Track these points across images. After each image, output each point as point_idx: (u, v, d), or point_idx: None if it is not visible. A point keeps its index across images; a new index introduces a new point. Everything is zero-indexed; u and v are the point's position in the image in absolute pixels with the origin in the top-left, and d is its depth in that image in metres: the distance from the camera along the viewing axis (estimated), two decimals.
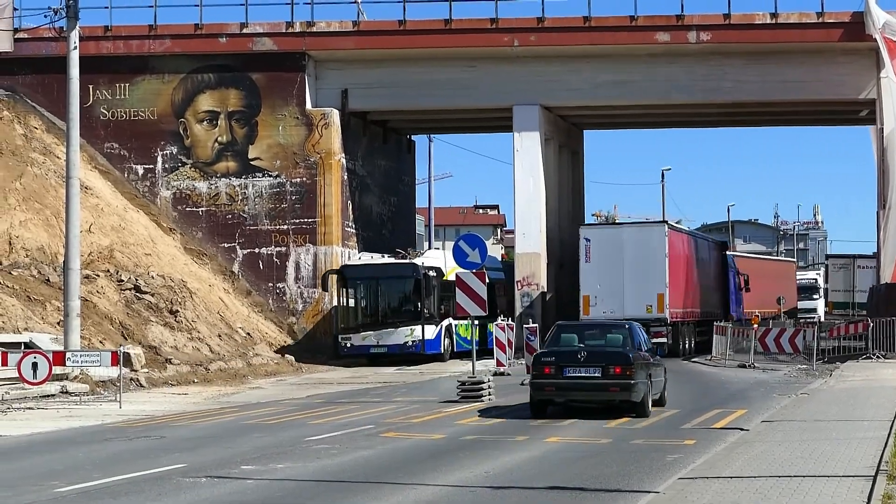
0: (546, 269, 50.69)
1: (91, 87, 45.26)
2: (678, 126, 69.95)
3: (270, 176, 48.36)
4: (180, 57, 48.80)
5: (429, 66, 49.61)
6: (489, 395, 30.47)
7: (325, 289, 47.81)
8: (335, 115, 48.70)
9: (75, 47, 35.97)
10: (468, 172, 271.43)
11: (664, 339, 47.63)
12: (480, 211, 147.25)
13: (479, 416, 26.79)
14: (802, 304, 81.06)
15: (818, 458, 18.41)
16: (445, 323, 49.96)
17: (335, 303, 49.53)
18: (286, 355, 45.66)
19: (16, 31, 47.44)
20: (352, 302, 48.57)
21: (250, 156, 48.41)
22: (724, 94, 50.86)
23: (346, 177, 49.06)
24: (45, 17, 38.52)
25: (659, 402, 27.83)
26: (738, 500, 14.79)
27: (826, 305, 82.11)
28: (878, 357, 44.60)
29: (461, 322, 49.60)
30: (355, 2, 49.89)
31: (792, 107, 55.00)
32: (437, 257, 51.34)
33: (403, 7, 49.08)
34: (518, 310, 48.08)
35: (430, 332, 47.95)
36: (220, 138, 48.72)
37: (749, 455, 19.16)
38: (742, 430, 23.30)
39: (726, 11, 48.28)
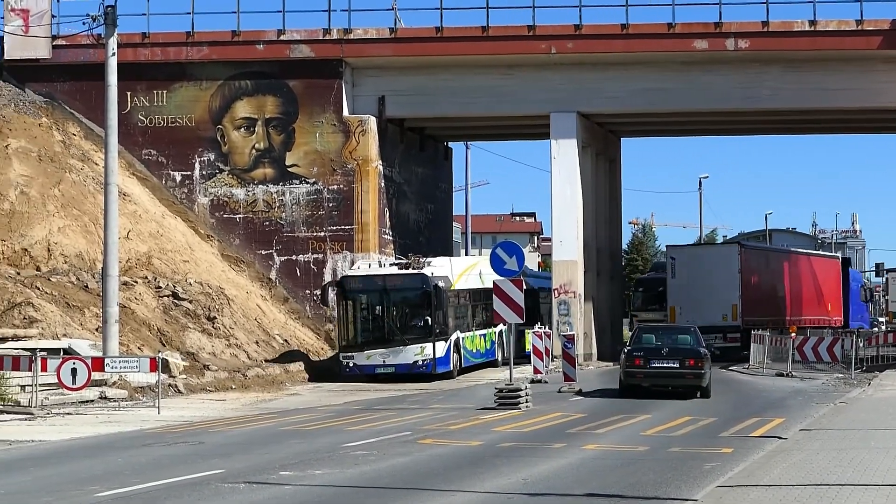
0: (583, 277, 50.59)
1: (129, 93, 45.44)
2: (716, 133, 69.82)
3: (308, 183, 48.35)
4: (218, 64, 48.89)
5: (466, 73, 49.60)
6: (527, 402, 30.47)
7: (324, 302, 44.84)
8: (372, 122, 48.72)
9: (113, 54, 36.09)
10: (505, 180, 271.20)
11: (738, 343, 55.23)
12: (517, 219, 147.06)
13: (514, 421, 26.81)
14: None
15: (857, 467, 18.36)
16: (454, 337, 44.77)
17: (337, 317, 45.50)
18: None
19: (54, 38, 47.88)
20: (354, 317, 43.54)
21: (287, 162, 48.42)
22: (762, 102, 50.74)
23: (383, 184, 49.07)
24: (84, 24, 38.77)
25: (706, 392, 33.97)
26: None
27: (886, 315, 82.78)
28: None
29: (467, 335, 46.69)
30: (392, 9, 49.90)
31: (830, 114, 54.89)
32: (443, 265, 46.50)
33: (440, 14, 49.12)
34: (555, 317, 47.91)
35: (441, 348, 42.75)
36: (257, 145, 48.76)
37: (787, 463, 19.13)
38: (780, 438, 23.24)
39: (765, 19, 48.01)
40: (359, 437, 23.81)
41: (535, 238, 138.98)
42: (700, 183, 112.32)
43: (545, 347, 40.11)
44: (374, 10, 51.23)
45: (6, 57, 47.22)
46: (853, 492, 15.90)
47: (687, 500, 15.60)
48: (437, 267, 44.81)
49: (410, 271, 44.82)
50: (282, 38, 49.03)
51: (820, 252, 79.40)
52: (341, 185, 48.14)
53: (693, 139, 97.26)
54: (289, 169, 48.44)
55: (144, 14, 48.16)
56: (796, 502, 15.16)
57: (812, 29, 47.97)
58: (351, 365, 41.83)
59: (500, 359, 48.92)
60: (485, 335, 48.62)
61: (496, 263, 32.77)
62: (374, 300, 43.36)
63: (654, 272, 72.52)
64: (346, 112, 48.67)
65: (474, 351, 47.67)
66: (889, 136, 54.43)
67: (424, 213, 56.17)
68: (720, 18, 48.29)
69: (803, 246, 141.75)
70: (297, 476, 18.50)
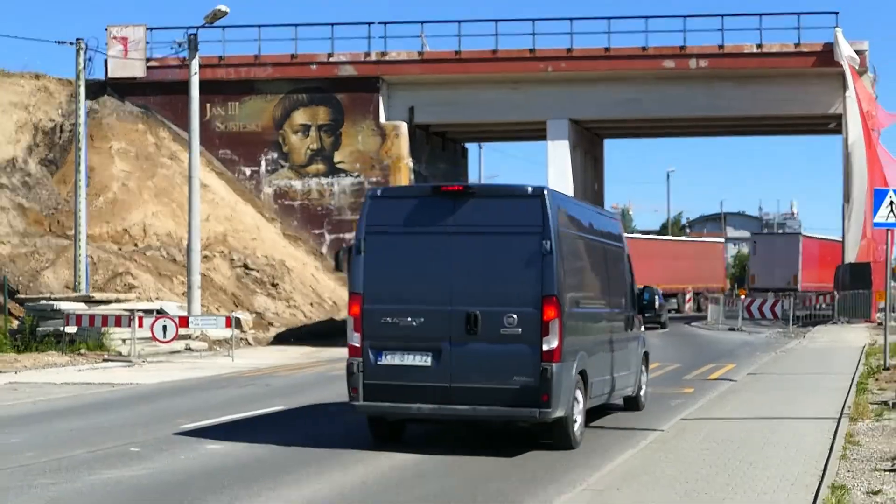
0: None
1: (208, 104, 45.36)
2: (680, 135, 69.41)
3: (352, 176, 48.33)
4: (279, 81, 48.89)
5: (479, 87, 49.50)
6: None
7: (338, 268, 36.00)
8: (403, 128, 48.72)
9: (195, 73, 36.19)
10: (510, 174, 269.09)
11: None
12: None
13: None
14: None
15: (794, 404, 18.38)
16: None
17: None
18: None
19: (148, 60, 47.95)
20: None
21: (336, 160, 48.43)
22: (718, 110, 50.64)
23: (412, 177, 48.95)
24: (171, 48, 38.87)
25: None
26: (728, 437, 14.73)
27: (749, 279, 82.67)
28: (842, 322, 44.40)
29: None
30: (420, 36, 49.92)
31: (774, 120, 54.68)
32: None
33: (459, 40, 49.11)
34: None
35: None
36: (311, 146, 48.75)
37: (737, 401, 19.14)
38: (731, 381, 23.25)
39: (720, 43, 47.98)
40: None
41: None
42: (668, 175, 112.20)
43: None
44: (405, 37, 50.57)
45: (110, 76, 47.30)
46: (791, 423, 15.91)
47: (657, 429, 15.59)
48: None
49: None
50: (331, 59, 49.02)
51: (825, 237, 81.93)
52: (379, 178, 48.05)
53: (662, 140, 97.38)
54: (336, 165, 48.40)
55: (221, 41, 48.18)
56: (744, 432, 15.12)
57: (759, 51, 47.84)
58: None
59: None
60: None
61: None
62: None
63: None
64: (382, 119, 48.63)
65: None
66: (821, 137, 54.37)
67: None
68: (684, 43, 48.15)
69: (751, 225, 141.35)
70: (342, 410, 18.49)
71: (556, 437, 14.46)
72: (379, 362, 14.50)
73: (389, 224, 14.73)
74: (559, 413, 13.92)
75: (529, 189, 14.27)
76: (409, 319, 14.43)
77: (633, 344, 18.66)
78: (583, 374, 14.79)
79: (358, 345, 14.62)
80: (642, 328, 20.01)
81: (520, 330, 13.95)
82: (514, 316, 13.93)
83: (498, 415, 14.22)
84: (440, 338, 14.23)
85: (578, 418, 14.69)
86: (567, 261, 14.47)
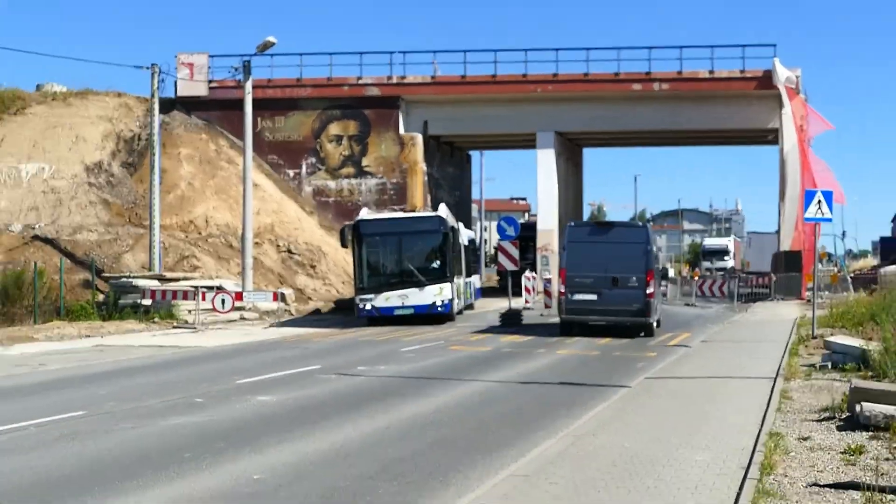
0: (557, 240, 50.48)
1: (258, 118, 45.29)
2: (646, 145, 69.21)
3: (376, 178, 48.34)
4: (317, 99, 48.86)
5: (481, 105, 49.50)
6: (521, 321, 30.47)
7: (343, 245, 32.40)
8: (419, 138, 48.75)
9: (249, 93, 36.21)
10: (506, 176, 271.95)
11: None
12: (514, 201, 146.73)
13: (512, 335, 26.81)
14: (719, 263, 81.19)
15: (738, 366, 18.41)
16: (459, 282, 34.45)
17: (353, 260, 32.91)
18: None
19: (209, 82, 47.95)
20: (371, 259, 31.08)
21: (363, 164, 48.45)
22: (677, 125, 50.64)
23: (426, 179, 49.01)
24: (229, 73, 38.85)
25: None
26: (685, 392, 14.78)
27: (745, 264, 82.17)
28: (777, 299, 44.39)
29: (461, 281, 35.49)
30: (432, 63, 49.97)
31: (723, 133, 54.70)
32: (446, 212, 33.65)
33: (464, 66, 49.17)
34: (539, 266, 47.72)
35: (452, 290, 31.65)
36: (343, 153, 48.78)
37: (692, 364, 19.17)
38: (687, 346, 23.27)
39: (679, 69, 48.03)
40: (410, 345, 23.89)
41: (526, 214, 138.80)
42: (635, 178, 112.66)
43: (532, 286, 40.00)
44: (420, 64, 50.57)
45: (179, 94, 47.29)
46: (736, 381, 15.96)
47: (624, 386, 15.63)
48: (444, 214, 32.82)
49: (427, 213, 35.61)
50: (359, 82, 49.02)
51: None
52: (398, 179, 48.11)
53: (631, 149, 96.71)
54: (364, 168, 48.42)
55: (269, 66, 48.17)
56: (699, 388, 15.18)
57: (711, 76, 47.88)
58: (368, 307, 30.11)
59: (465, 306, 37.37)
60: (463, 283, 36.55)
61: (500, 231, 32.68)
62: (392, 242, 31.20)
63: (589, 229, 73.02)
64: (401, 131, 48.65)
65: (466, 298, 37.62)
66: (762, 147, 54.19)
67: (454, 198, 55.93)
68: (650, 69, 48.12)
69: (703, 220, 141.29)
70: (369, 370, 18.58)
71: (648, 332, 25.79)
72: (571, 297, 25.48)
73: (577, 238, 26.08)
74: (652, 320, 26.05)
75: (640, 223, 28.15)
76: (586, 280, 25.21)
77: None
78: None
79: (563, 291, 25.62)
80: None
81: (637, 284, 25.07)
82: (634, 278, 25.08)
83: (627, 320, 25.76)
84: (601, 288, 25.16)
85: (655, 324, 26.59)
86: (652, 255, 26.31)
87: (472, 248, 41.17)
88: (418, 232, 31.53)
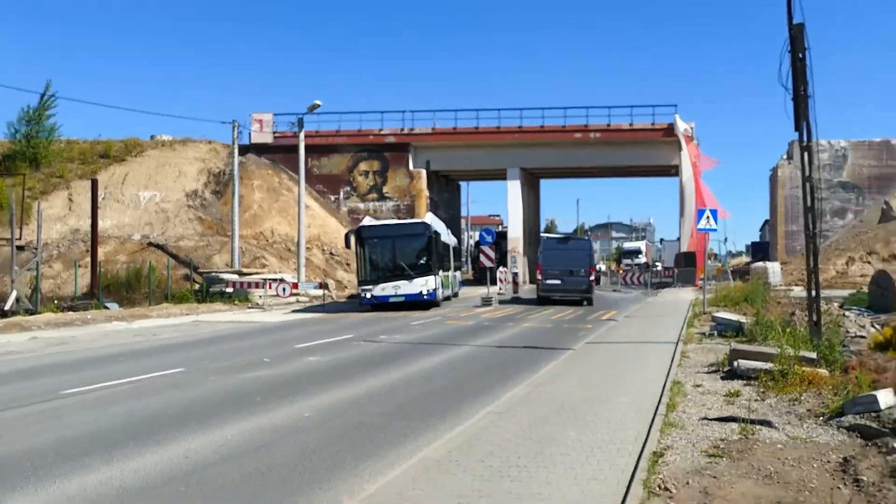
0: (522, 245, 50.48)
1: (309, 158, 45.17)
2: (585, 177, 69.49)
3: (393, 201, 48.29)
4: (350, 145, 48.82)
5: (468, 148, 49.47)
6: (496, 303, 30.45)
7: (347, 246, 29.77)
8: (423, 172, 48.69)
9: (302, 141, 36.15)
10: (484, 199, 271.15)
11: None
12: (491, 217, 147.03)
13: (490, 313, 26.80)
14: (635, 261, 78.84)
15: (653, 333, 18.37)
16: (441, 274, 31.42)
17: (356, 259, 30.74)
18: None
19: (274, 133, 47.92)
20: (371, 258, 28.46)
21: (384, 191, 48.39)
22: (607, 162, 50.53)
23: (428, 201, 48.90)
24: (288, 126, 38.83)
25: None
26: (613, 353, 14.75)
27: (661, 261, 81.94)
28: (679, 286, 44.39)
29: (441, 275, 31.28)
30: (433, 119, 49.97)
31: (639, 168, 54.61)
32: (433, 220, 31.43)
33: (455, 121, 49.26)
34: (509, 263, 47.65)
35: (435, 282, 29.61)
36: (369, 183, 48.74)
37: (619, 331, 19.14)
38: (614, 320, 23.23)
39: (608, 122, 48.07)
40: (416, 320, 23.83)
41: (500, 226, 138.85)
42: (577, 201, 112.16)
43: (504, 277, 39.94)
44: (424, 119, 50.43)
45: (252, 142, 47.16)
46: (648, 345, 15.91)
47: (570, 349, 15.59)
48: (431, 221, 30.46)
49: (415, 220, 32.74)
50: (381, 132, 48.96)
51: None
52: (409, 202, 48.04)
53: (574, 179, 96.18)
54: (384, 194, 48.34)
55: (316, 121, 48.08)
56: (625, 348, 15.14)
57: (630, 127, 47.87)
58: (368, 296, 27.96)
59: (452, 294, 35.02)
60: (449, 276, 34.15)
61: (482, 238, 32.79)
62: (387, 244, 28.78)
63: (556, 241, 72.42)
64: (411, 167, 48.61)
65: (449, 288, 34.09)
66: (667, 178, 54.40)
67: (448, 215, 55.71)
68: (587, 122, 48.10)
69: (625, 230, 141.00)
70: (388, 338, 18.51)
71: (590, 302, 28.98)
72: (545, 282, 29.26)
73: (549, 247, 30.17)
74: (592, 295, 29.49)
75: (586, 238, 26.60)
76: (554, 271, 29.12)
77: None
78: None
79: (540, 278, 29.34)
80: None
81: (584, 274, 29.02)
82: (582, 270, 28.96)
83: (578, 296, 29.21)
84: (563, 276, 28.96)
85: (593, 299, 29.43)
86: (593, 256, 30.33)
87: (458, 249, 38.81)
88: (408, 235, 28.80)
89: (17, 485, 6.62)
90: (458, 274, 38.59)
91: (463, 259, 60.50)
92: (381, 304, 27.72)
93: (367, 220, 30.61)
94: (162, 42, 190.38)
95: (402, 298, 27.76)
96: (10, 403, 10.20)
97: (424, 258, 28.58)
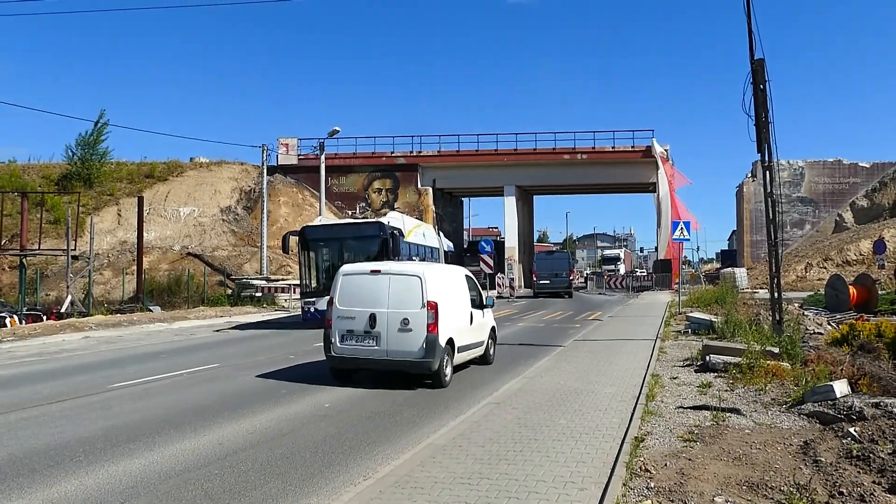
0: (517, 253, 50.41)
1: (329, 177, 45.32)
2: (573, 193, 68.91)
3: (404, 214, 48.37)
4: (366, 166, 48.94)
5: (470, 168, 49.55)
6: (492, 304, 30.31)
7: (285, 251, 22.65)
8: (430, 190, 48.77)
9: (323, 162, 36.08)
10: (485, 216, 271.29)
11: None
12: (490, 229, 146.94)
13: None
14: (613, 267, 75.46)
15: (634, 331, 18.29)
16: None
17: (299, 266, 23.35)
18: None
19: (299, 155, 48.00)
20: (315, 264, 21.53)
21: (395, 207, 47.95)
22: (593, 180, 50.52)
23: (434, 216, 48.94)
24: (311, 149, 38.88)
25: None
26: (599, 349, 14.67)
27: (642, 267, 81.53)
28: (657, 290, 44.24)
29: None
30: (438, 143, 50.11)
31: (621, 185, 54.63)
32: (396, 218, 23.43)
33: (458, 144, 49.51)
34: (506, 269, 47.64)
35: None
36: (382, 199, 48.76)
37: (605, 330, 19.05)
38: (600, 320, 23.13)
39: (594, 145, 48.21)
40: None
41: (498, 237, 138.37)
42: (566, 214, 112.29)
43: (501, 282, 39.85)
44: (431, 143, 50.60)
45: (279, 163, 47.27)
46: (630, 342, 15.82)
47: (560, 346, 15.52)
48: (394, 219, 22.41)
49: (368, 220, 25.84)
50: (392, 154, 49.13)
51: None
52: (418, 216, 47.75)
53: (564, 196, 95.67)
54: (396, 209, 48.04)
55: (336, 145, 48.33)
56: (607, 346, 15.05)
57: (613, 150, 48.00)
58: (312, 310, 20.66)
59: None
60: None
61: (481, 248, 32.74)
62: (335, 247, 21.32)
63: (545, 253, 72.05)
64: (419, 185, 48.70)
65: None
66: (646, 194, 54.45)
67: (452, 228, 55.87)
68: (574, 145, 48.35)
69: (609, 240, 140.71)
70: None
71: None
72: (539, 282, 29.24)
73: (540, 258, 30.19)
74: (572, 290, 27.81)
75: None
76: (545, 274, 29.62)
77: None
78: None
79: (535, 280, 28.55)
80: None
81: (565, 276, 29.73)
82: (564, 273, 30.02)
83: (562, 290, 29.84)
84: (550, 277, 29.74)
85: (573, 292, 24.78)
86: (572, 263, 27.39)
87: (453, 255, 32.87)
88: (360, 237, 20.86)
89: (70, 469, 6.60)
90: None
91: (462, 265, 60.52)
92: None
93: (319, 220, 24.40)
94: (199, 75, 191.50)
95: None
96: (67, 395, 10.20)
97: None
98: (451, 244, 33.14)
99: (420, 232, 24.74)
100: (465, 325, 11.41)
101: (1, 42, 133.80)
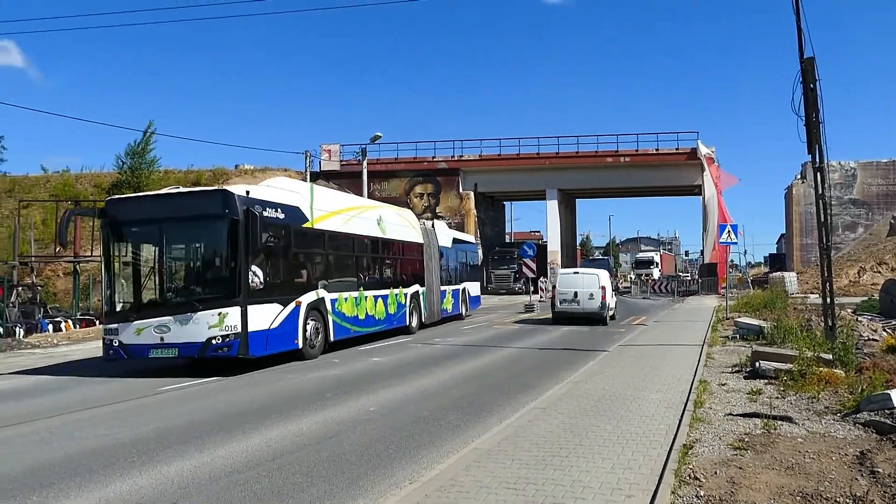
0: (560, 258, 50.07)
1: (371, 183, 45.66)
2: (616, 196, 68.28)
3: (445, 219, 48.32)
4: (407, 171, 49.26)
5: (511, 172, 49.51)
6: (537, 309, 30.23)
7: (61, 242, 15.30)
8: (472, 194, 48.85)
9: (365, 168, 36.50)
10: (526, 217, 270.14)
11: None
12: (532, 233, 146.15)
13: (533, 318, 26.58)
14: (648, 271, 71.62)
15: (680, 336, 18.03)
16: (308, 298, 13.60)
17: (102, 270, 12.37)
18: None
19: (341, 161, 48.56)
20: (119, 267, 11.89)
21: (437, 211, 48.57)
22: (635, 183, 49.99)
23: (476, 220, 49.04)
24: (353, 155, 39.31)
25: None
26: (644, 354, 14.49)
27: (688, 270, 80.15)
28: (703, 294, 43.54)
29: (345, 295, 15.47)
30: (480, 147, 50.18)
31: (665, 188, 53.95)
32: (299, 189, 14.44)
33: (500, 148, 49.48)
34: (549, 274, 47.41)
35: (265, 315, 11.92)
36: (424, 204, 48.99)
37: (649, 335, 18.81)
38: (645, 325, 22.85)
39: (636, 148, 47.72)
40: (467, 325, 23.73)
41: (540, 241, 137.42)
42: (609, 218, 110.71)
43: (544, 286, 39.57)
44: (472, 147, 50.69)
45: (321, 169, 47.92)
46: (676, 347, 15.60)
47: (605, 350, 15.36)
48: (278, 189, 13.69)
49: (205, 188, 13.35)
50: (434, 159, 49.36)
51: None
52: (459, 220, 48.05)
53: (607, 199, 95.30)
54: (437, 213, 48.42)
55: (378, 150, 48.75)
56: (652, 351, 14.86)
57: (656, 152, 47.44)
58: (115, 344, 11.77)
59: (413, 324, 20.16)
60: (385, 297, 18.16)
61: (523, 252, 32.53)
62: (152, 238, 11.88)
63: (590, 259, 71.25)
64: (461, 189, 48.82)
65: (358, 317, 16.35)
66: (691, 196, 53.68)
67: (494, 232, 55.94)
68: (617, 148, 47.92)
69: (653, 243, 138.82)
70: (442, 341, 18.43)
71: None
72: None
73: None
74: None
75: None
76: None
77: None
78: None
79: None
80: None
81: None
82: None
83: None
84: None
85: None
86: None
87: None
88: (190, 218, 12.05)
89: (125, 469, 6.78)
90: (468, 287, 26.89)
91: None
92: (138, 361, 12.43)
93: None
94: (245, 85, 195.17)
95: (173, 352, 11.94)
96: (122, 397, 10.48)
97: (225, 266, 11.99)
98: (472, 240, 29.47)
99: (373, 216, 18.41)
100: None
101: (54, 56, 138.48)
